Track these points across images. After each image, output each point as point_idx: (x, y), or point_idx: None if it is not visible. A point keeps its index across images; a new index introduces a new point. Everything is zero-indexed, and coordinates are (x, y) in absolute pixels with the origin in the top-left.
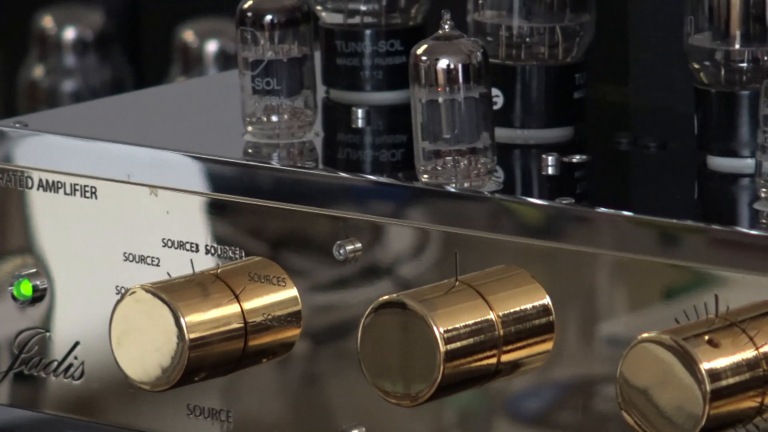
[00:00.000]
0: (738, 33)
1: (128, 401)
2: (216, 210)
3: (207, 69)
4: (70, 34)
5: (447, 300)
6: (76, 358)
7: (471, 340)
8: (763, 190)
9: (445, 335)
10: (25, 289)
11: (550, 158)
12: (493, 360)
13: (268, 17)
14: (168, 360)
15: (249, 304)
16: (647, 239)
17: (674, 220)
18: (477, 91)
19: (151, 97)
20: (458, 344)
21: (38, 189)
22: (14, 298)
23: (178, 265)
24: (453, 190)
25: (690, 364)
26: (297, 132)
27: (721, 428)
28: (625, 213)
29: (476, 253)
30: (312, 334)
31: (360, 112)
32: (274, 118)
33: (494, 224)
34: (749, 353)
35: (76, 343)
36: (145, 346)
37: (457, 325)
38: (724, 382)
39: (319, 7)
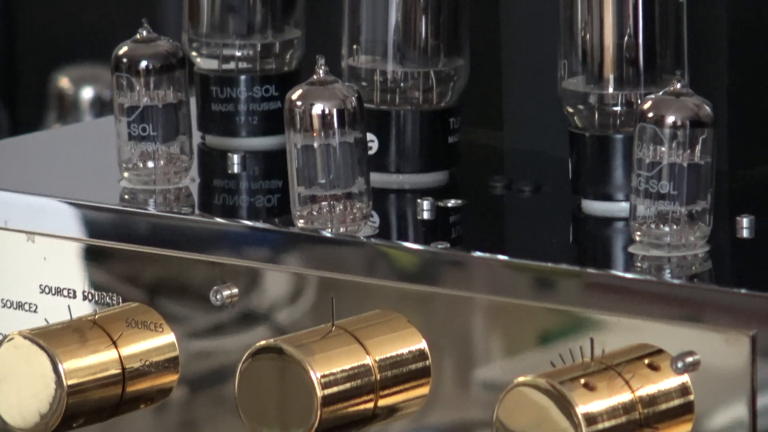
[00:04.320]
0: (611, 77)
1: None
2: (93, 256)
3: (83, 115)
4: None
5: (324, 345)
6: None
7: (348, 385)
8: (638, 233)
9: (322, 380)
10: None
11: (425, 203)
12: (370, 404)
13: (143, 63)
14: (46, 406)
15: (127, 350)
16: (522, 283)
17: (549, 264)
18: (352, 135)
19: (27, 143)
20: (335, 389)
21: None
22: None
23: (55, 312)
24: (329, 235)
25: (566, 407)
26: (173, 178)
27: None
28: (501, 257)
29: (353, 297)
30: (190, 379)
31: (236, 158)
32: (150, 164)
33: (370, 269)
34: (625, 396)
35: None
36: (24, 392)
37: (334, 370)
38: (600, 426)
39: (194, 53)
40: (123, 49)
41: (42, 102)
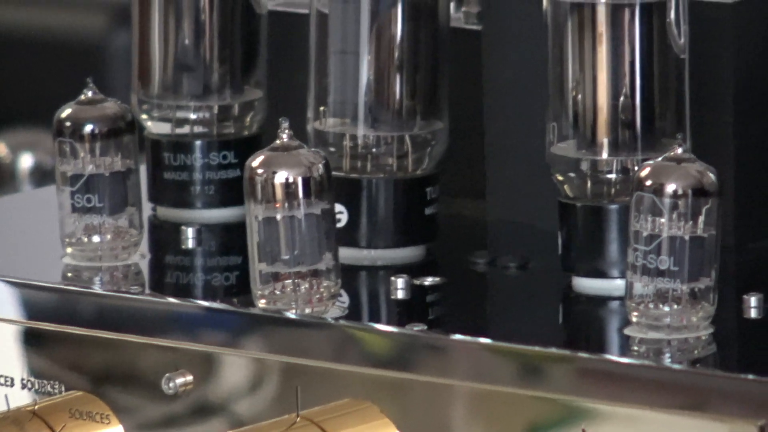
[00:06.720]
0: (605, 141)
1: None
2: (32, 340)
3: (21, 185)
4: None
5: None
6: None
7: None
8: (635, 314)
9: None
10: None
11: (399, 281)
12: None
13: (89, 127)
14: None
15: None
16: (508, 369)
17: (537, 348)
18: (319, 207)
19: None
20: None
21: None
22: None
23: None
24: (293, 316)
25: None
26: (121, 254)
27: None
28: (483, 340)
29: (319, 385)
30: None
31: (190, 232)
32: (96, 239)
33: (339, 354)
34: None
35: None
36: None
37: None
38: None
39: (144, 116)
40: (66, 112)
41: None
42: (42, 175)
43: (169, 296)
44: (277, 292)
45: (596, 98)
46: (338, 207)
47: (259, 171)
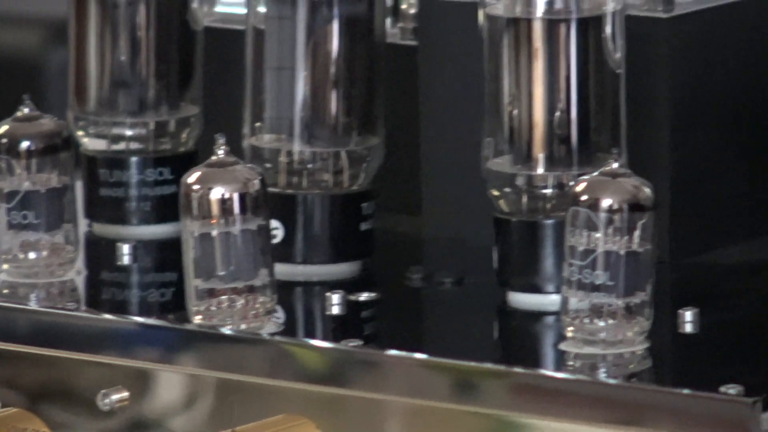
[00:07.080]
0: (541, 156)
1: None
2: None
3: None
4: None
5: None
6: None
7: None
8: (570, 329)
9: None
10: None
11: (335, 296)
12: None
13: (25, 144)
14: None
15: None
16: (443, 384)
17: (473, 363)
18: (254, 222)
19: None
20: None
21: None
22: None
23: None
24: (229, 332)
25: None
26: (57, 270)
27: None
28: (419, 356)
29: (255, 401)
30: None
31: (126, 248)
32: (32, 255)
33: (274, 369)
34: None
35: None
36: None
37: None
38: None
39: (80, 132)
40: (2, 128)
41: None
42: None
43: (105, 312)
44: (213, 308)
45: (532, 113)
46: (274, 223)
47: (195, 187)
